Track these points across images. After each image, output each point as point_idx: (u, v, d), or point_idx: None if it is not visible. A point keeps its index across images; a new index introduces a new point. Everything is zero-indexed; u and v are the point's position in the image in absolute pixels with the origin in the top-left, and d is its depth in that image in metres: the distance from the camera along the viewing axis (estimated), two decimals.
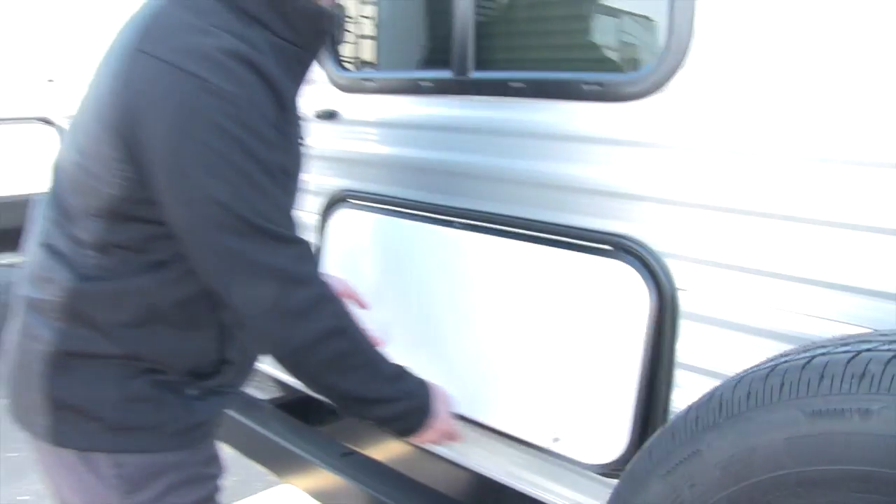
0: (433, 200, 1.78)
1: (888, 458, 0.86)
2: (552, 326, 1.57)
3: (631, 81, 1.43)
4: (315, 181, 2.01)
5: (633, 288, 1.45)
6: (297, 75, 1.33)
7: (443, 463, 1.85)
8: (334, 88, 1.96)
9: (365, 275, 1.92)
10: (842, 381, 0.91)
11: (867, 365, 0.91)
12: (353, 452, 1.99)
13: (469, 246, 1.71)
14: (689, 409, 1.11)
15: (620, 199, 1.47)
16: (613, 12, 1.59)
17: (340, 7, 1.76)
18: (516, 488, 1.70)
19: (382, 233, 1.91)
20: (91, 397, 1.29)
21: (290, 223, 1.27)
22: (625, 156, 1.45)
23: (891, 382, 0.86)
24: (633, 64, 1.58)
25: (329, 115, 1.96)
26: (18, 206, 4.00)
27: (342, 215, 1.99)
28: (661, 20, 1.39)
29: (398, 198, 1.86)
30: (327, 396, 1.37)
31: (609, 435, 1.47)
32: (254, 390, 2.49)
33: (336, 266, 1.96)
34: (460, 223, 1.72)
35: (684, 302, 1.40)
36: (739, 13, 1.28)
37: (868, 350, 0.93)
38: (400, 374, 1.42)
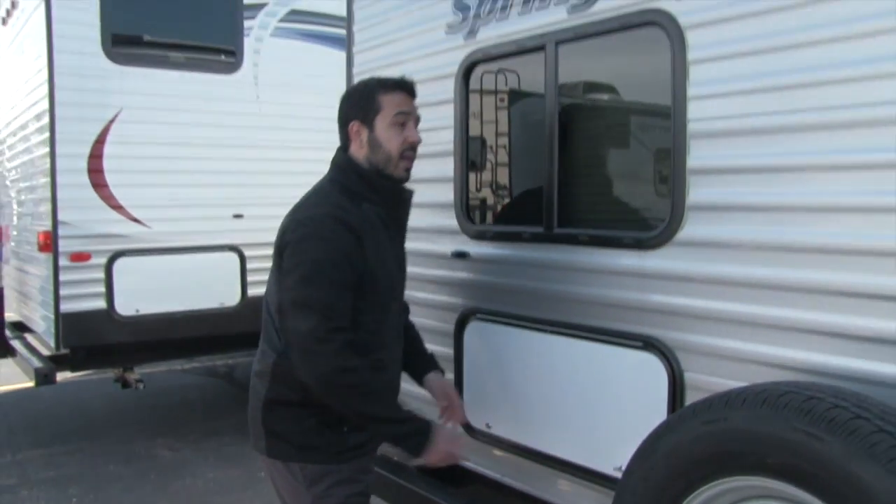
0: (532, 314, 2.64)
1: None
2: (607, 392, 2.36)
3: (650, 237, 2.27)
4: (451, 301, 2.94)
5: (654, 370, 2.24)
6: (387, 223, 2.26)
7: None
8: (465, 236, 2.90)
9: (490, 364, 2.79)
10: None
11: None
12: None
13: (555, 344, 2.54)
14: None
15: (641, 311, 2.28)
16: (640, 191, 2.45)
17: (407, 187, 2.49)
18: None
19: (499, 337, 2.78)
20: (286, 429, 2.23)
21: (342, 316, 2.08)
22: (648, 283, 2.27)
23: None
24: (651, 225, 2.40)
25: (462, 255, 2.90)
26: (210, 317, 5.17)
27: (472, 326, 2.88)
28: (667, 202, 2.24)
29: (509, 313, 2.73)
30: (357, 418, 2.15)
31: None
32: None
33: (469, 357, 2.85)
34: (549, 329, 2.57)
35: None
36: (714, 203, 2.10)
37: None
38: (409, 413, 2.18)
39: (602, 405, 2.40)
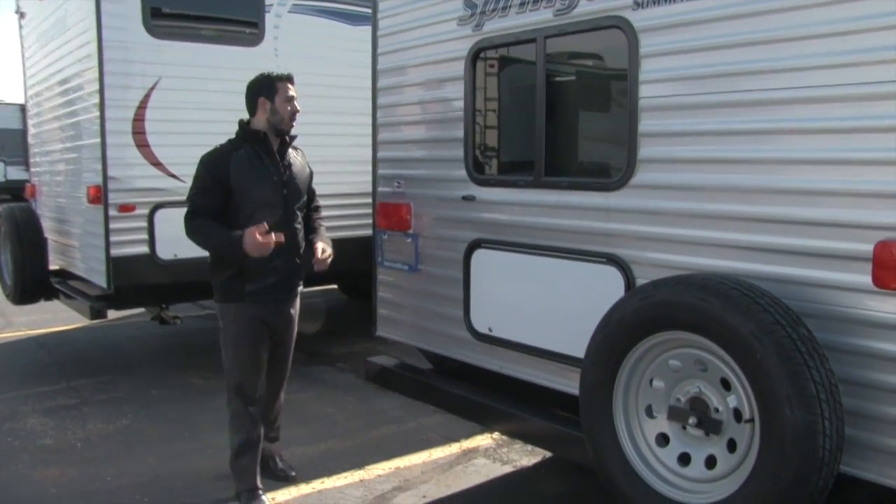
0: (525, 241, 3.51)
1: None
2: (580, 297, 3.25)
3: (612, 182, 3.14)
4: (461, 235, 3.80)
5: (614, 278, 3.12)
6: (261, 152, 3.58)
7: None
8: (472, 183, 3.75)
9: (491, 282, 3.67)
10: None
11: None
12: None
13: (542, 264, 3.42)
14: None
15: (606, 236, 3.16)
16: (605, 149, 3.32)
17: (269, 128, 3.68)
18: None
19: (499, 261, 3.65)
20: (215, 281, 3.71)
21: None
22: (610, 216, 3.14)
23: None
24: (613, 174, 3.26)
25: (470, 198, 3.75)
26: None
27: (477, 254, 3.75)
28: (624, 157, 3.10)
29: (508, 241, 3.60)
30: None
31: None
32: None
33: (475, 278, 3.73)
34: (538, 253, 3.44)
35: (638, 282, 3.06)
36: (657, 157, 2.97)
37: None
38: (228, 236, 3.42)
39: (576, 306, 3.29)
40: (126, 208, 5.70)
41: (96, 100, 5.60)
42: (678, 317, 2.46)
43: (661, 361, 2.65)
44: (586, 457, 2.83)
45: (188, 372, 6.40)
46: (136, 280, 5.82)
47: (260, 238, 3.30)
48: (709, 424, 2.53)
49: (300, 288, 3.83)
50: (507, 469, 4.36)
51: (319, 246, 3.66)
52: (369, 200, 6.97)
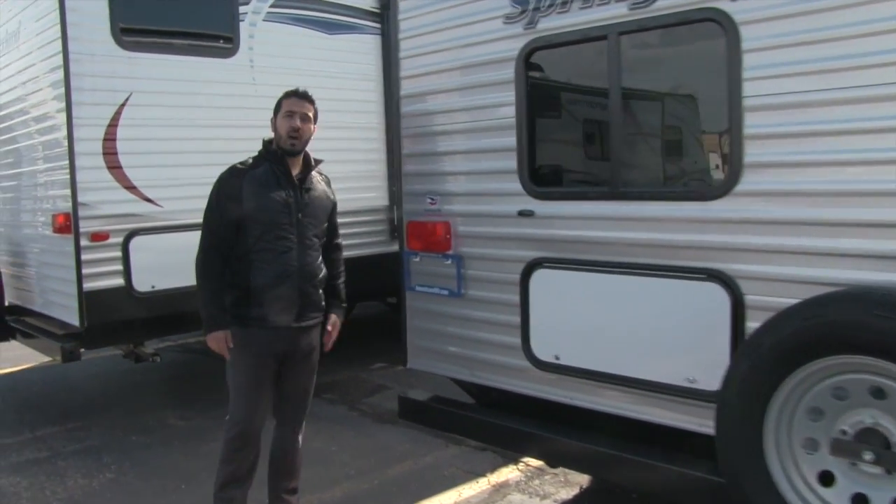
0: (599, 259, 3.19)
1: None
2: (673, 317, 2.94)
3: (712, 190, 2.85)
4: (517, 254, 3.45)
5: (717, 295, 2.83)
6: (278, 172, 3.35)
7: None
8: (529, 197, 3.41)
9: (557, 305, 3.33)
10: None
11: None
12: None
13: (622, 282, 3.10)
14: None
15: (704, 249, 2.86)
16: (697, 155, 3.04)
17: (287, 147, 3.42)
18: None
19: (567, 281, 3.31)
20: (227, 304, 3.43)
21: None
22: (709, 227, 2.85)
23: None
24: (709, 182, 2.98)
25: (527, 213, 3.41)
26: None
27: (538, 274, 3.40)
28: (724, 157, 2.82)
29: (577, 260, 3.27)
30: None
31: None
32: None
33: (535, 301, 3.38)
34: (616, 270, 3.12)
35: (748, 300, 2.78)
36: (765, 161, 2.70)
37: None
38: (217, 309, 3.32)
39: (669, 328, 2.98)
40: (98, 237, 5.14)
41: (63, 118, 5.03)
42: (853, 339, 2.18)
43: (821, 389, 2.35)
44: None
45: (165, 412, 5.85)
46: (111, 316, 5.26)
47: (217, 346, 3.33)
48: (891, 461, 2.24)
49: (317, 320, 3.50)
50: None
51: (332, 319, 3.57)
52: (357, 219, 6.77)
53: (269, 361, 3.38)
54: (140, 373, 6.87)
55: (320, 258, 3.49)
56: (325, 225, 3.52)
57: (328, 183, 3.60)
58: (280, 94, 3.51)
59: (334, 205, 3.60)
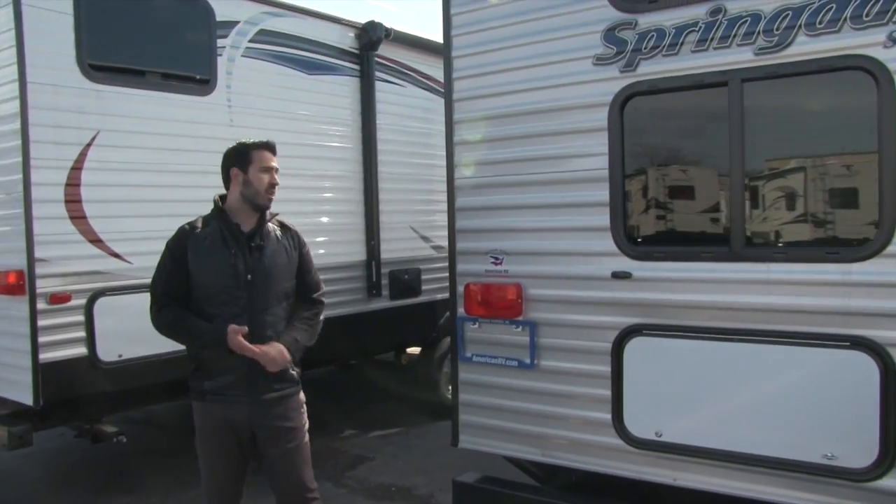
0: (713, 326, 2.88)
1: None
2: (810, 389, 2.66)
3: (858, 251, 2.61)
4: (609, 321, 3.09)
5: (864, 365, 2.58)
6: (225, 232, 3.05)
7: None
8: (625, 257, 3.08)
9: (659, 377, 2.99)
10: None
11: None
12: None
13: (742, 351, 2.81)
14: None
15: (848, 315, 2.62)
16: (837, 213, 2.81)
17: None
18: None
19: (673, 350, 2.98)
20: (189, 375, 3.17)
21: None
22: (853, 291, 2.61)
23: None
24: (852, 241, 2.74)
25: (623, 275, 3.07)
26: None
27: (635, 342, 3.06)
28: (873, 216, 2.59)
29: (684, 326, 2.95)
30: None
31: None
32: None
33: (631, 372, 3.03)
34: (735, 338, 2.83)
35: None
36: None
37: None
38: (207, 327, 2.97)
39: (805, 401, 2.70)
40: (58, 298, 4.40)
41: (18, 158, 4.30)
42: None
43: None
44: None
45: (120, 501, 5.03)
46: (72, 391, 4.50)
47: (240, 345, 2.94)
48: None
49: (284, 391, 3.12)
50: None
51: (265, 348, 3.00)
52: (339, 275, 6.20)
53: (231, 437, 3.07)
54: (80, 452, 5.96)
55: (283, 323, 3.13)
56: (289, 284, 3.16)
57: (293, 237, 3.23)
58: (248, 138, 3.21)
59: (301, 260, 3.23)
